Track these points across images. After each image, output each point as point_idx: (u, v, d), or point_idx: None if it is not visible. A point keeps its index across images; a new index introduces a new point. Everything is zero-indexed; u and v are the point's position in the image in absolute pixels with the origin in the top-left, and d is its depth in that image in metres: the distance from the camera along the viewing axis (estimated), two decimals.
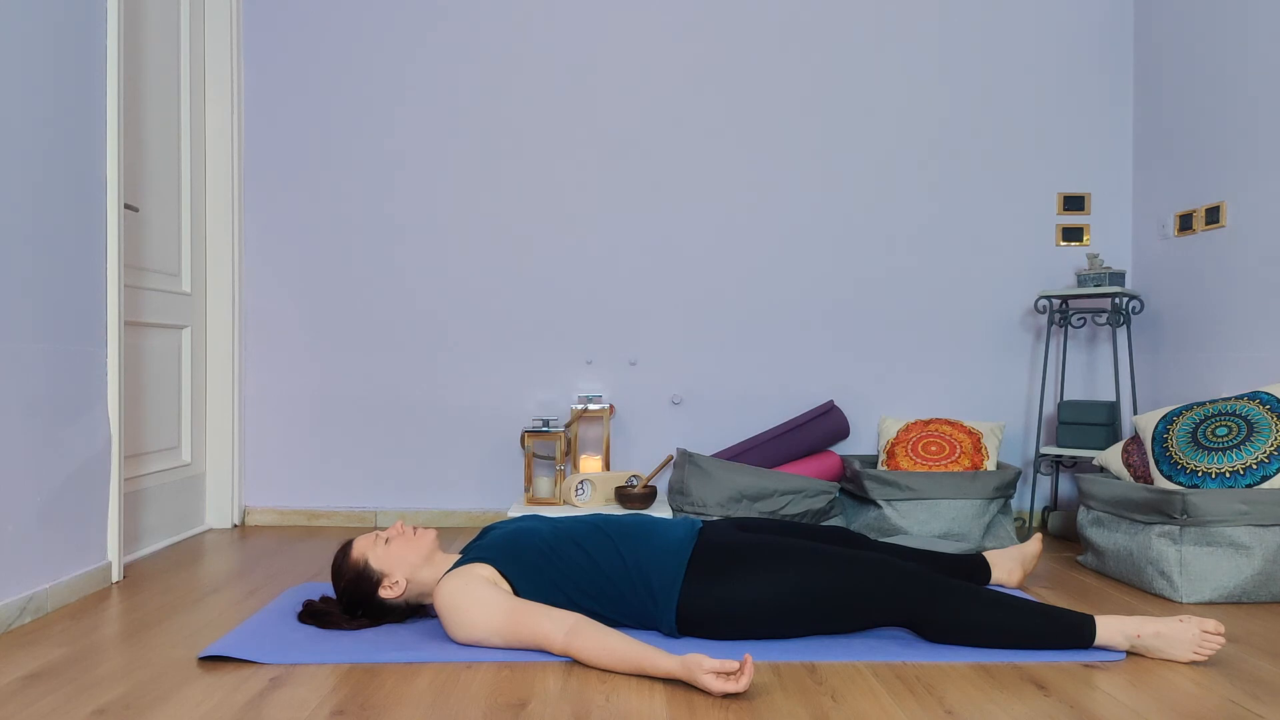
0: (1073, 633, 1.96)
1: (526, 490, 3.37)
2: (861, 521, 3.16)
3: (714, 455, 3.32)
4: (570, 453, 3.45)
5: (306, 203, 3.53)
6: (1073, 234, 3.57)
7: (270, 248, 3.53)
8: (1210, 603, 2.45)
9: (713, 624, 2.01)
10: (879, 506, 3.09)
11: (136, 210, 2.91)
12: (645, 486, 3.22)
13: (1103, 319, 3.51)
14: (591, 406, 3.39)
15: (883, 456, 3.32)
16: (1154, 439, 2.74)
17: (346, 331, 3.53)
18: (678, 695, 1.73)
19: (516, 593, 2.01)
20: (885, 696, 1.74)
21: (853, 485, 3.24)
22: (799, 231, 3.56)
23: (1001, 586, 2.47)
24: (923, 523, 3.05)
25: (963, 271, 3.57)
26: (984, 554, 2.48)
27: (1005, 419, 3.58)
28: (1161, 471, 2.66)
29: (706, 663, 1.72)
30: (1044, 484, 3.58)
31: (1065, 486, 3.57)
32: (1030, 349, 3.58)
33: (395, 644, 1.99)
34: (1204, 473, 2.56)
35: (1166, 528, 2.50)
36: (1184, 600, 2.45)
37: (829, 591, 1.97)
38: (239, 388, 3.48)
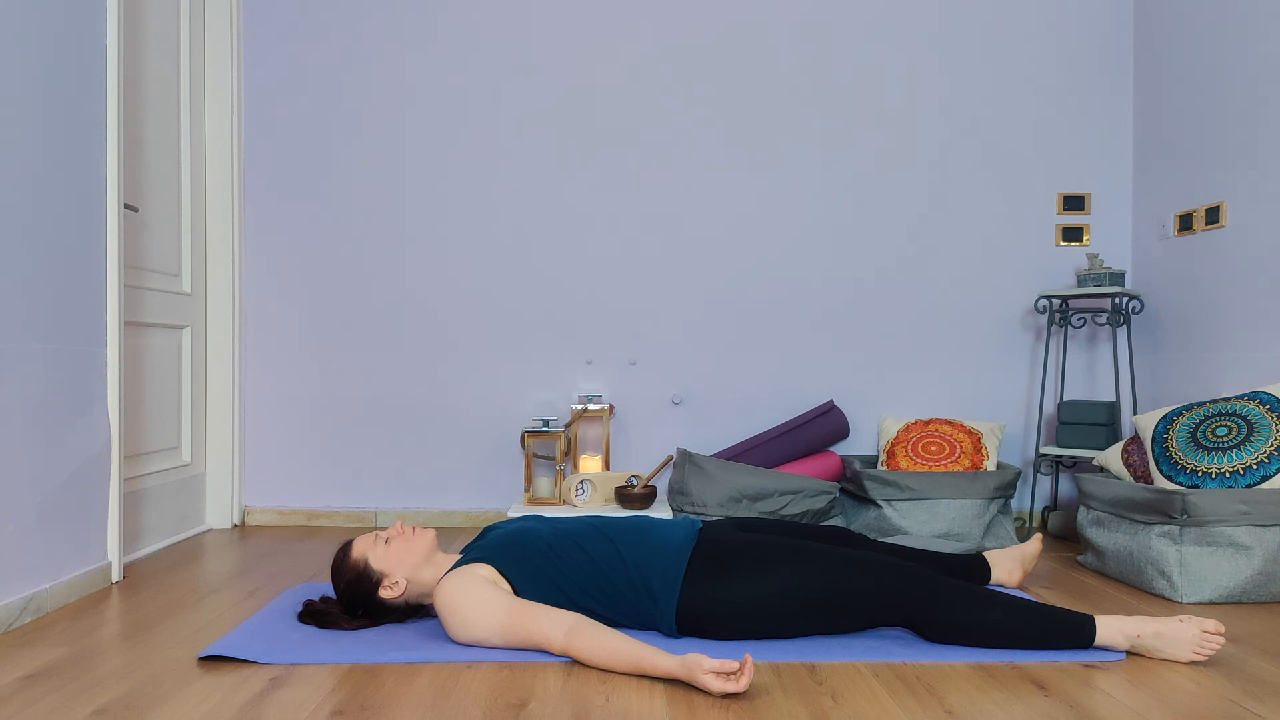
0: (1073, 633, 1.96)
1: (526, 490, 3.38)
2: (861, 521, 3.16)
3: (714, 455, 3.32)
4: (570, 453, 3.45)
5: (306, 202, 3.53)
6: (1073, 234, 3.57)
7: (270, 248, 3.53)
8: (1210, 603, 2.44)
9: (713, 624, 2.01)
10: (879, 506, 3.09)
11: (136, 210, 2.91)
12: (645, 486, 3.22)
13: (1103, 319, 3.51)
14: (591, 406, 3.39)
15: (883, 456, 3.32)
16: (1154, 439, 2.74)
17: (346, 332, 3.53)
18: (678, 695, 1.73)
19: (517, 593, 2.01)
20: (885, 696, 1.74)
21: (853, 485, 3.24)
22: (799, 231, 3.56)
23: (1001, 586, 2.47)
24: (923, 523, 3.05)
25: (963, 271, 3.57)
26: (984, 554, 2.48)
27: (1005, 419, 3.58)
28: (1161, 471, 2.66)
29: (706, 663, 1.72)
30: (1044, 484, 3.58)
31: (1065, 486, 3.57)
32: (1030, 349, 3.58)
33: (395, 644, 1.99)
34: (1204, 473, 2.56)
35: (1166, 528, 2.50)
36: (1184, 600, 2.45)
37: (829, 591, 1.97)
38: (239, 388, 3.48)
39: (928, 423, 3.34)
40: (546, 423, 3.35)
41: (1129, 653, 1.97)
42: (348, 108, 3.53)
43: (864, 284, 3.57)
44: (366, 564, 2.09)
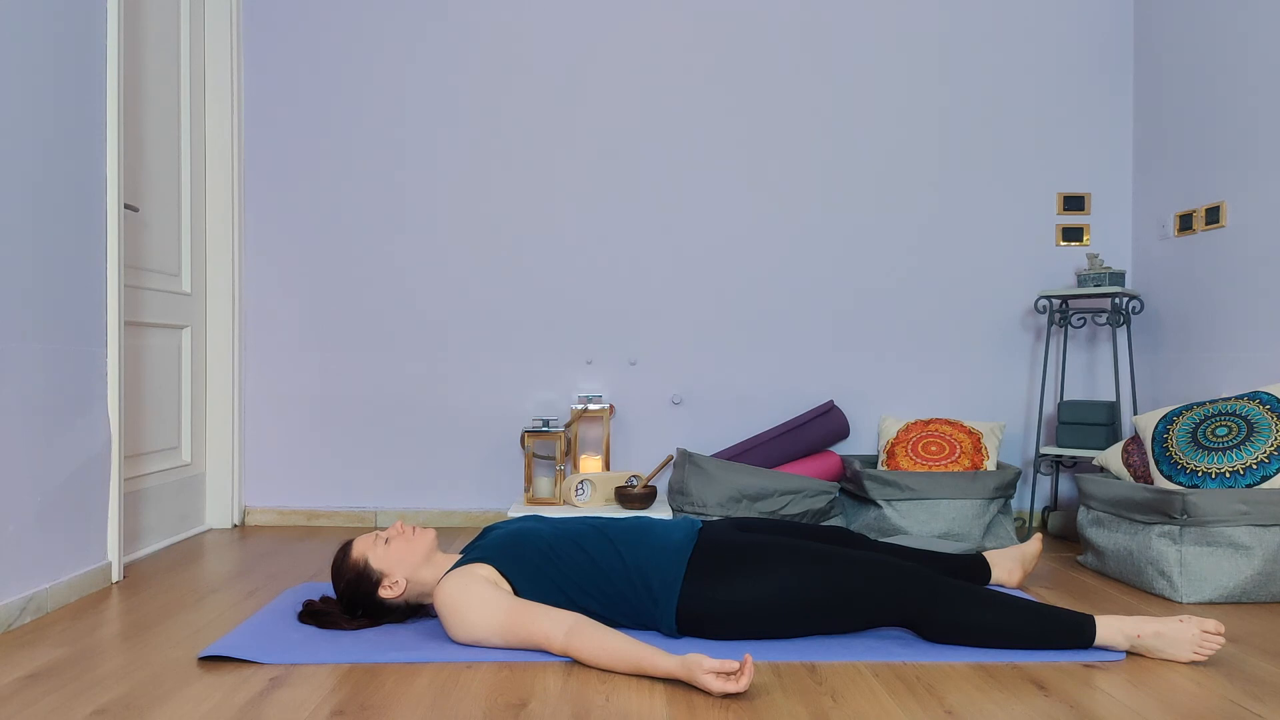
0: (1073, 633, 1.96)
1: (526, 490, 3.38)
2: (861, 521, 3.16)
3: (714, 455, 3.32)
4: (570, 453, 3.45)
5: (306, 202, 3.53)
6: (1073, 234, 3.57)
7: (270, 248, 3.53)
8: (1210, 603, 2.44)
9: (713, 624, 2.01)
10: (879, 506, 3.09)
11: (136, 210, 2.91)
12: (645, 486, 3.22)
13: (1103, 319, 3.51)
14: (591, 406, 3.39)
15: (883, 456, 3.32)
16: (1154, 439, 2.74)
17: (346, 331, 3.53)
18: (678, 695, 1.73)
19: (517, 593, 2.01)
20: (885, 696, 1.74)
21: (853, 485, 3.24)
22: (799, 231, 3.56)
23: (1001, 586, 2.47)
24: (923, 523, 3.05)
25: (963, 271, 3.57)
26: (984, 554, 2.48)
27: (1005, 419, 3.58)
28: (1161, 471, 2.66)
29: (706, 663, 1.72)
30: (1044, 484, 3.58)
31: (1065, 486, 3.57)
32: (1030, 349, 3.58)
33: (395, 644, 1.99)
34: (1204, 473, 2.56)
35: (1166, 528, 2.50)
36: (1184, 600, 2.45)
37: (828, 591, 1.97)
38: (239, 388, 3.48)
39: (928, 423, 3.34)
40: (546, 423, 3.35)
41: (1129, 653, 1.97)
42: (347, 108, 3.53)
43: (864, 284, 3.57)
44: (366, 564, 2.09)
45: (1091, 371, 3.58)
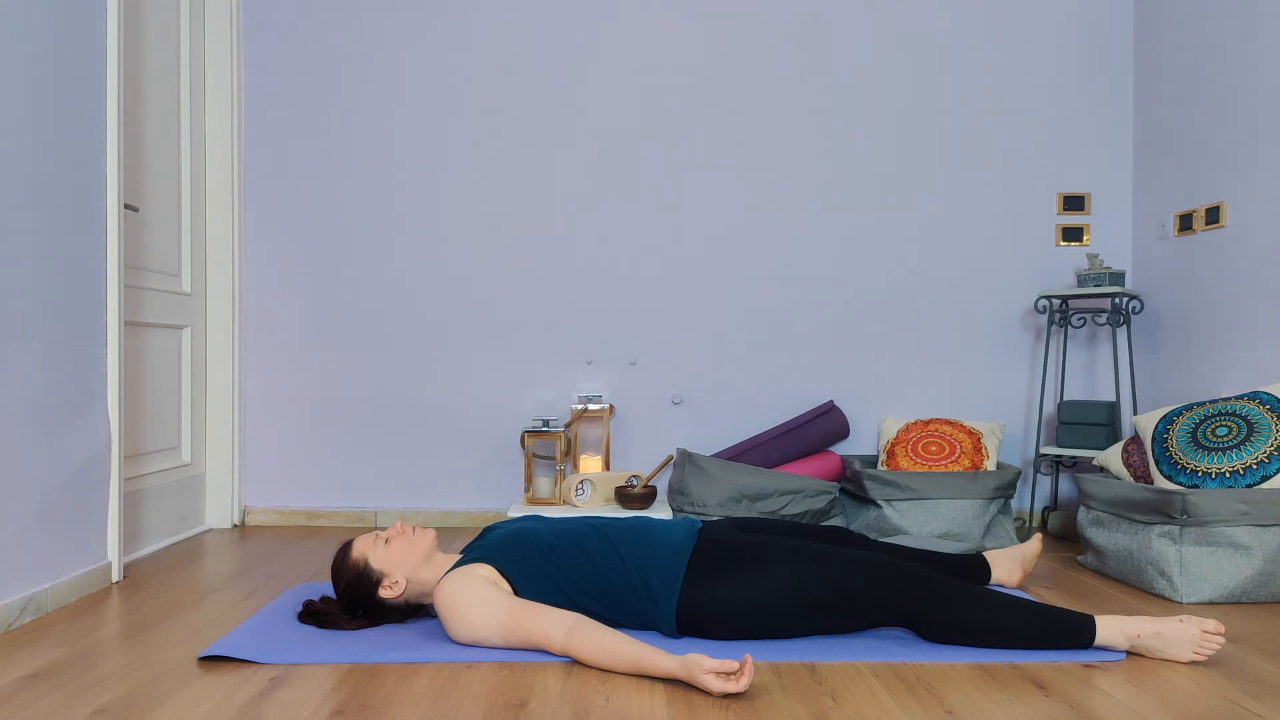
0: (1073, 633, 1.96)
1: (526, 490, 3.38)
2: (861, 521, 3.16)
3: (714, 455, 3.32)
4: (570, 453, 3.45)
5: (307, 202, 3.53)
6: (1073, 234, 3.57)
7: (270, 248, 3.53)
8: (1210, 603, 2.45)
9: (713, 624, 2.01)
10: (879, 506, 3.09)
11: (136, 210, 2.91)
12: (645, 486, 3.22)
13: (1103, 319, 3.51)
14: (591, 406, 3.39)
15: (883, 456, 3.32)
16: (1154, 439, 2.74)
17: (346, 331, 3.53)
18: (678, 695, 1.73)
19: (517, 593, 2.01)
20: (885, 696, 1.74)
21: (853, 485, 3.24)
22: (799, 231, 3.56)
23: (1001, 586, 2.47)
24: (923, 523, 3.05)
25: (963, 271, 3.57)
26: (984, 554, 2.48)
27: (1005, 419, 3.58)
28: (1161, 471, 2.66)
29: (706, 663, 1.72)
30: (1044, 484, 3.58)
31: (1065, 486, 3.57)
32: (1030, 349, 3.58)
33: (395, 644, 1.99)
34: (1204, 473, 2.56)
35: (1166, 528, 2.50)
36: (1184, 600, 2.45)
37: (828, 591, 1.98)
38: (239, 388, 3.48)
39: (928, 423, 3.34)
40: (546, 423, 3.35)
41: (1129, 653, 1.97)
42: (347, 108, 3.53)
43: (864, 284, 3.57)
44: (366, 564, 2.09)
45: (1091, 371, 3.58)
